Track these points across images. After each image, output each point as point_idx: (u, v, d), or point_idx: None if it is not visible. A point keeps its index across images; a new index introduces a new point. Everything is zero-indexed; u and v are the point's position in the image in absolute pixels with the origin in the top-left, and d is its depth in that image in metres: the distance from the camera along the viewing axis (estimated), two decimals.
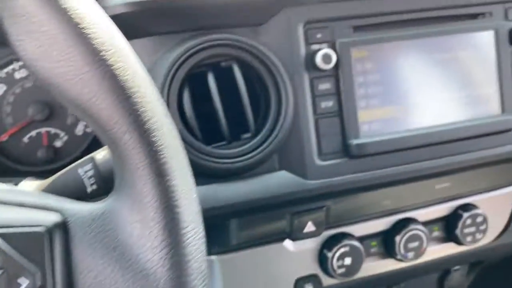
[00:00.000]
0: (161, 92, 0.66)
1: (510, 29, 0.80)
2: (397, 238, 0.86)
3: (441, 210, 0.91)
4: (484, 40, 0.80)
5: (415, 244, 0.87)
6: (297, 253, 0.83)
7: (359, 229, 0.86)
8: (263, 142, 0.70)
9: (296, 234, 0.80)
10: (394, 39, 0.75)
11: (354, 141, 0.74)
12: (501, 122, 0.80)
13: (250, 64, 0.70)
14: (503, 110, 0.81)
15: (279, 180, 0.71)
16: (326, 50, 0.71)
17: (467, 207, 0.91)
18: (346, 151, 0.74)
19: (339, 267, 0.83)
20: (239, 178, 0.71)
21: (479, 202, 0.93)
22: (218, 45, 0.68)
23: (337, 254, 0.82)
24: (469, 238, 0.91)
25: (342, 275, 0.83)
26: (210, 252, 0.80)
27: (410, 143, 0.77)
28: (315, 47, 0.72)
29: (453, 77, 0.79)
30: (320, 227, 0.81)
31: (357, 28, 0.74)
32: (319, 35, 0.72)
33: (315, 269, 0.85)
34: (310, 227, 0.81)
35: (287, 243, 0.82)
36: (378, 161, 0.76)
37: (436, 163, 0.78)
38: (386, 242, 0.88)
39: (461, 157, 0.80)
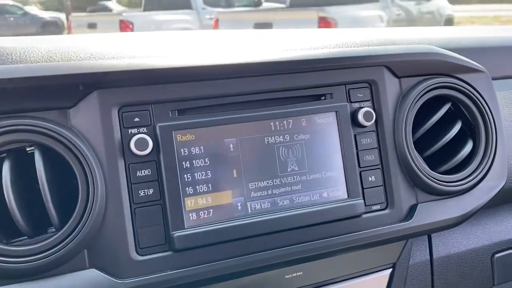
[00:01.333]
0: None
1: (352, 111, 0.78)
2: None
3: None
4: (326, 123, 0.77)
5: None
6: None
7: None
8: (68, 236, 0.63)
9: None
10: (225, 122, 0.71)
11: (178, 233, 0.68)
12: (347, 207, 0.76)
13: (55, 150, 0.64)
14: (349, 195, 0.77)
15: (86, 281, 0.63)
16: (140, 135, 0.66)
17: None
18: (169, 244, 0.68)
19: None
20: (41, 278, 0.63)
21: None
22: (12, 131, 0.62)
23: None
24: None
25: None
26: None
27: (246, 232, 0.71)
28: (133, 131, 0.67)
29: (295, 160, 0.75)
30: None
31: (182, 111, 0.70)
32: (136, 119, 0.67)
33: None
34: None
35: None
36: (207, 254, 0.69)
37: (277, 253, 0.72)
38: None
39: (305, 246, 0.74)
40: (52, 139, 0.64)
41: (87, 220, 0.63)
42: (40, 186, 0.62)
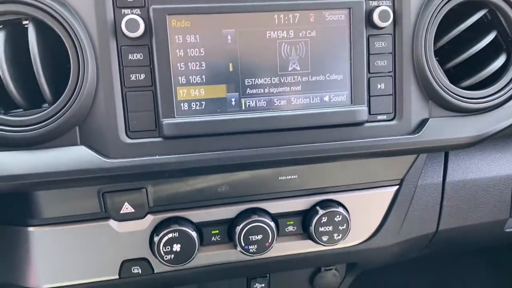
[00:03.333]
0: None
1: (369, 10, 0.70)
2: (237, 229, 0.80)
3: (300, 204, 0.84)
4: (337, 20, 0.70)
5: (258, 237, 0.81)
6: (124, 235, 0.79)
7: (198, 215, 0.80)
8: (59, 110, 0.65)
9: (114, 215, 0.75)
10: (225, 11, 0.67)
11: (168, 120, 0.67)
12: (348, 113, 0.71)
13: (48, 25, 0.63)
14: (352, 101, 0.72)
15: (76, 156, 0.66)
16: (131, 16, 0.64)
17: (326, 203, 0.84)
18: (159, 130, 0.68)
19: (167, 253, 0.78)
20: (35, 149, 0.66)
21: (346, 200, 0.85)
22: (7, 1, 0.62)
23: (165, 240, 0.77)
24: (325, 238, 0.83)
25: (170, 261, 0.78)
26: (26, 223, 0.77)
27: (238, 127, 0.69)
28: (125, 11, 0.65)
29: (298, 59, 0.70)
30: (141, 209, 0.76)
31: None
32: None
33: (145, 253, 0.81)
34: (128, 208, 0.75)
35: (112, 223, 0.78)
36: (197, 144, 0.69)
37: (268, 152, 0.70)
38: (228, 232, 0.83)
39: (299, 147, 0.71)
40: (46, 13, 0.63)
41: (77, 96, 0.64)
42: (32, 59, 0.63)
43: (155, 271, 0.82)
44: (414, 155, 0.84)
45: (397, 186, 0.87)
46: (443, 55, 0.76)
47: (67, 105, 0.65)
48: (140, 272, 0.81)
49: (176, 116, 0.68)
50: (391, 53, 0.73)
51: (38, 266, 0.78)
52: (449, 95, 0.74)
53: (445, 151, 0.92)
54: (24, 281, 0.80)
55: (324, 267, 0.97)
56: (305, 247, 0.86)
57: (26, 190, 0.71)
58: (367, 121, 0.73)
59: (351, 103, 0.72)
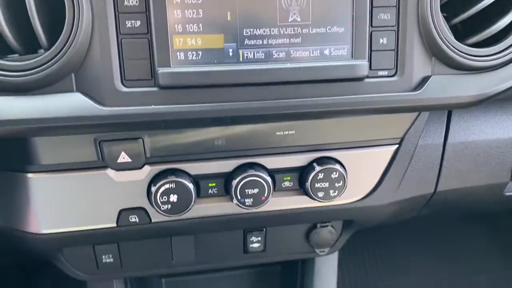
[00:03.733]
0: None
1: None
2: (234, 182, 0.81)
3: (297, 160, 0.84)
4: None
5: (254, 191, 0.81)
6: (122, 184, 0.80)
7: (195, 168, 0.81)
8: (54, 56, 0.64)
9: (111, 164, 0.76)
10: None
11: (163, 69, 0.66)
12: (348, 67, 0.70)
13: None
14: (353, 55, 0.71)
15: (71, 102, 0.66)
16: None
17: (323, 160, 0.84)
18: (154, 79, 0.67)
19: (164, 203, 0.79)
20: (31, 94, 0.66)
21: (343, 158, 0.85)
22: None
23: (162, 190, 0.78)
24: (321, 194, 0.84)
25: (167, 211, 0.79)
26: (25, 169, 0.78)
27: (235, 78, 0.68)
28: None
29: (299, 10, 0.68)
30: (138, 159, 0.76)
31: None
32: None
33: (142, 202, 0.82)
34: (124, 157, 0.76)
35: (110, 172, 0.79)
36: (193, 94, 0.68)
37: (265, 105, 0.69)
38: (225, 185, 0.83)
39: (297, 101, 0.70)
40: None
41: (72, 42, 0.63)
42: (26, 3, 0.62)
43: (152, 221, 0.83)
44: (415, 113, 0.83)
45: (397, 145, 0.87)
46: (449, 11, 0.73)
47: (63, 51, 0.64)
48: (137, 221, 0.83)
49: (172, 66, 0.67)
50: (395, 6, 0.70)
51: (37, 211, 0.80)
52: (453, 52, 0.72)
53: (448, 111, 0.90)
54: (25, 225, 0.82)
55: (320, 224, 0.98)
56: (301, 202, 0.87)
57: (21, 136, 0.72)
58: (368, 77, 0.71)
59: (352, 58, 0.71)
